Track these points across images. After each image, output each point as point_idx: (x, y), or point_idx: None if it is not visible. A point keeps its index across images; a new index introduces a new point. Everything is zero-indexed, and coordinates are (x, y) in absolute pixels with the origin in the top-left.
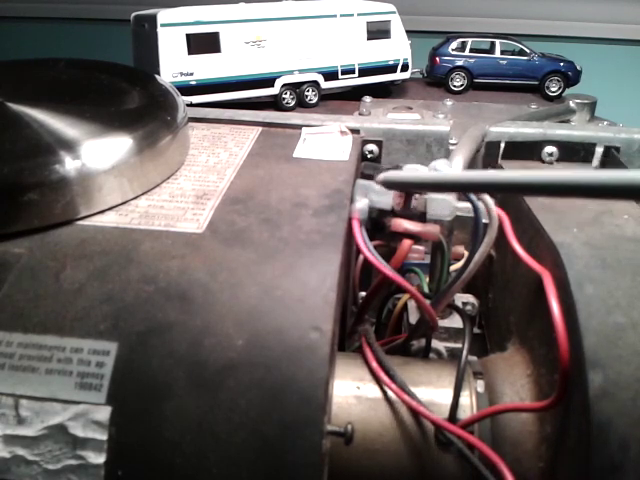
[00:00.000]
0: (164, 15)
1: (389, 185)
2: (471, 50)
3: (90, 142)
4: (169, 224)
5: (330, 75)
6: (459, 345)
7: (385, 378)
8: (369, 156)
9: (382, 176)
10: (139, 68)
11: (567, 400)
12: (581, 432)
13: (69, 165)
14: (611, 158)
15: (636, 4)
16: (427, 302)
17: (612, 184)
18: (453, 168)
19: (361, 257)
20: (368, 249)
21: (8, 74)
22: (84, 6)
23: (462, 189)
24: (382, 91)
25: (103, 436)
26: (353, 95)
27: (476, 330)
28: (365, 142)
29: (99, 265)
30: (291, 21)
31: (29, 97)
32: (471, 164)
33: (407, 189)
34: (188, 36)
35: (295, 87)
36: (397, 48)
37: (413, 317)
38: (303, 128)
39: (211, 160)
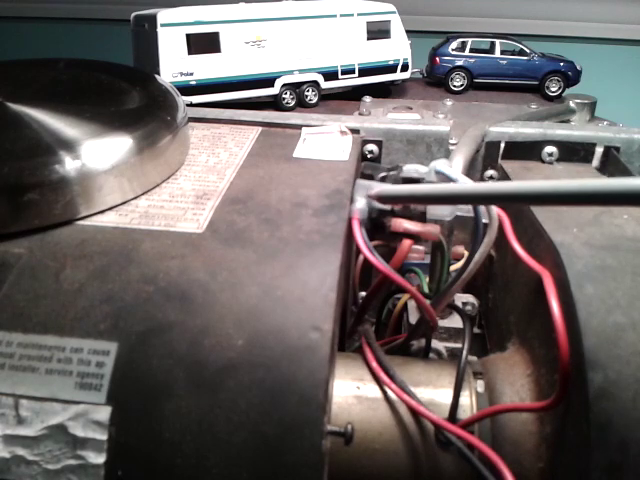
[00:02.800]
0: (164, 15)
1: (383, 200)
2: (471, 50)
3: (90, 142)
4: (169, 224)
5: (330, 75)
6: (459, 345)
7: (385, 378)
8: (369, 156)
9: (376, 191)
10: (139, 68)
11: (567, 400)
12: (581, 432)
13: (69, 165)
14: (611, 158)
15: (636, 4)
16: (427, 302)
17: (608, 192)
18: (453, 168)
19: (361, 257)
20: (368, 249)
21: (8, 74)
22: (84, 6)
23: (455, 201)
24: (382, 91)
25: (103, 436)
26: (353, 95)
27: (476, 330)
28: (365, 142)
29: (99, 265)
30: (291, 21)
31: (29, 97)
32: (471, 164)
33: (401, 203)
34: (188, 36)
35: (295, 87)
36: (397, 48)
37: (413, 317)
38: (303, 128)
39: (211, 160)
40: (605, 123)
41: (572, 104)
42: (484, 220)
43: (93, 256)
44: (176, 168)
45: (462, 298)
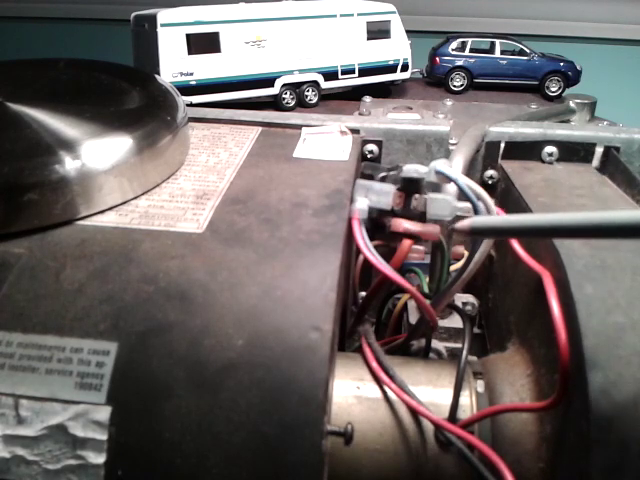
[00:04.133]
0: (164, 15)
1: (478, 232)
2: (471, 50)
3: (90, 142)
4: (169, 224)
5: (330, 75)
6: (459, 345)
7: (385, 378)
8: (369, 156)
9: (469, 222)
10: (139, 68)
11: (567, 400)
12: (581, 432)
13: (69, 165)
14: (611, 158)
15: (636, 4)
16: (427, 302)
17: None
18: (453, 168)
19: (361, 257)
20: (368, 249)
21: (8, 74)
22: (84, 6)
23: (570, 234)
24: (382, 91)
25: (103, 436)
26: (353, 95)
27: (476, 330)
28: (365, 142)
29: (99, 265)
30: (291, 21)
31: (29, 97)
32: (471, 164)
33: (500, 236)
34: (188, 36)
35: (295, 87)
36: (397, 48)
37: (413, 317)
38: (303, 128)
39: (211, 160)
40: (605, 123)
41: (572, 104)
42: None
43: (93, 256)
44: (176, 168)
45: (462, 298)
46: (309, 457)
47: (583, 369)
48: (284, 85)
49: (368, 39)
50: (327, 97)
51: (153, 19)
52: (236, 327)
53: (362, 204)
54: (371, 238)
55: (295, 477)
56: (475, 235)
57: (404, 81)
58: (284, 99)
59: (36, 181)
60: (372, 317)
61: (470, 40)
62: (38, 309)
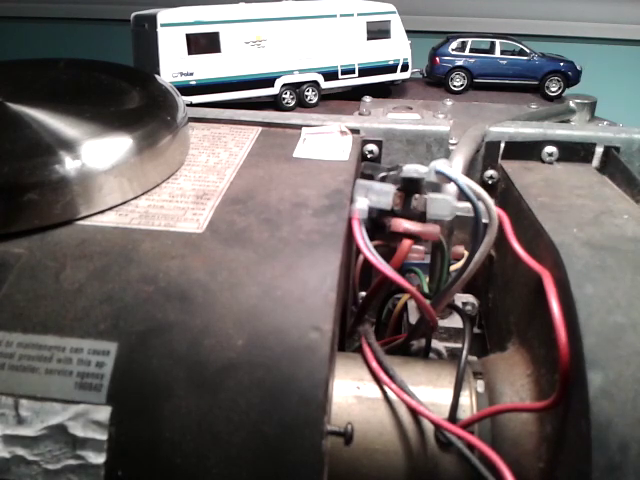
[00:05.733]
0: (164, 15)
1: None
2: (471, 50)
3: (90, 142)
4: (169, 224)
5: (330, 75)
6: (459, 345)
7: (385, 378)
8: (369, 156)
9: None
10: (139, 68)
11: (567, 400)
12: (581, 432)
13: (69, 165)
14: (611, 158)
15: (636, 4)
16: (427, 302)
17: None
18: (453, 168)
19: (361, 257)
20: (368, 249)
21: (8, 74)
22: (84, 6)
23: None
24: (382, 91)
25: (103, 436)
26: (353, 95)
27: (476, 330)
28: (365, 142)
29: (99, 265)
30: (291, 21)
31: (29, 97)
32: (471, 164)
33: None
34: (188, 36)
35: (295, 87)
36: (397, 48)
37: (413, 317)
38: (303, 128)
39: (211, 160)
40: (605, 123)
41: (572, 104)
42: (484, 220)
43: (93, 256)
44: (176, 168)
45: (462, 298)
46: (309, 457)
47: (583, 369)
48: (284, 85)
49: (368, 39)
50: (327, 97)
51: (153, 19)
52: (236, 327)
53: (362, 204)
54: (371, 238)
55: (295, 477)
56: None
57: (404, 81)
58: (284, 99)
59: (36, 181)
60: (372, 317)
61: (470, 40)
62: (38, 309)
